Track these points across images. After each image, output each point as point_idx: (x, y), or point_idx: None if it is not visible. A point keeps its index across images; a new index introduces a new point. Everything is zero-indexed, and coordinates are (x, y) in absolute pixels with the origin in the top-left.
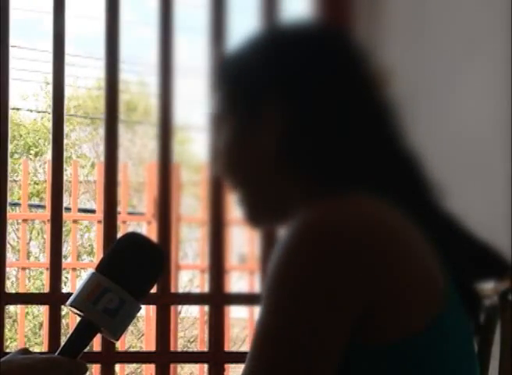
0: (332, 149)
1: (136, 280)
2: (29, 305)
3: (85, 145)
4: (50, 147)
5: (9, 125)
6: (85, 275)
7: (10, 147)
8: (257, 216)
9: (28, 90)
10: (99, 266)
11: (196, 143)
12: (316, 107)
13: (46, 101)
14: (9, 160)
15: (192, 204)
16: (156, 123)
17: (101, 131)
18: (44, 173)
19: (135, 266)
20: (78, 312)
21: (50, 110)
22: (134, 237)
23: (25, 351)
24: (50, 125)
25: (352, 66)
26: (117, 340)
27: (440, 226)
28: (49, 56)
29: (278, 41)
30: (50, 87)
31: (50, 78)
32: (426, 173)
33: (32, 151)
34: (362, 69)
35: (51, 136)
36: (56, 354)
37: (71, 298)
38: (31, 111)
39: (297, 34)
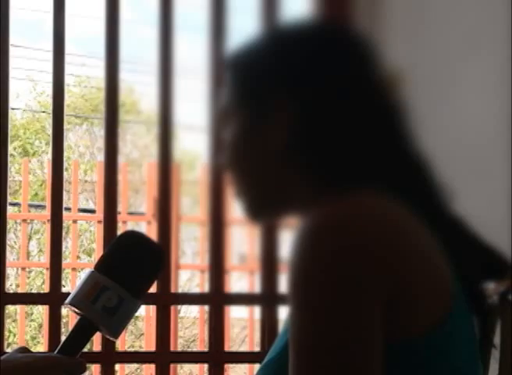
0: (342, 148)
1: (135, 278)
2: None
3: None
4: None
5: (9, 125)
6: (83, 274)
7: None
8: (257, 210)
9: (18, 89)
10: (97, 264)
11: (188, 140)
12: (325, 105)
13: (36, 100)
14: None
15: (188, 203)
16: (146, 120)
17: (95, 130)
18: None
19: (134, 264)
20: (77, 310)
21: (38, 109)
22: (133, 235)
23: (24, 349)
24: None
25: (361, 64)
26: (116, 338)
27: (447, 225)
28: (43, 55)
29: (287, 39)
30: (37, 86)
31: (36, 76)
32: (435, 173)
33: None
34: (371, 67)
35: (50, 136)
36: (55, 352)
37: (69, 297)
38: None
39: (306, 33)
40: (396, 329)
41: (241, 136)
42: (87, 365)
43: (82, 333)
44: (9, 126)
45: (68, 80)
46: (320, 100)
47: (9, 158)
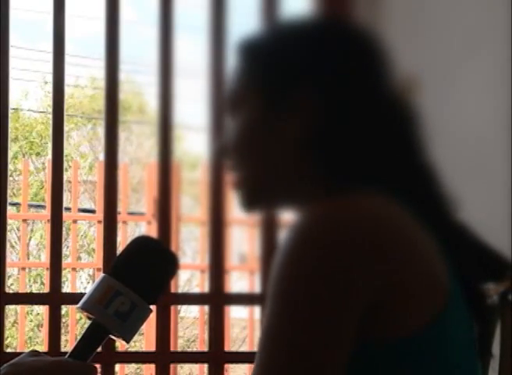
0: (351, 148)
1: (148, 284)
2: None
3: (83, 145)
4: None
5: (9, 125)
6: (97, 278)
7: None
8: (254, 199)
9: (28, 90)
10: (110, 269)
11: (190, 141)
12: (343, 105)
13: (46, 102)
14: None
15: (189, 203)
16: (152, 121)
17: (99, 131)
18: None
19: (147, 270)
20: (89, 315)
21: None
22: (146, 241)
23: (35, 353)
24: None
25: (379, 66)
26: (128, 343)
27: (447, 226)
28: (48, 56)
29: (316, 30)
30: (48, 87)
31: (48, 78)
32: (439, 175)
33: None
34: (387, 68)
35: (50, 136)
36: (66, 356)
37: (82, 301)
38: (33, 111)
39: (334, 26)
40: (387, 328)
41: (257, 121)
42: None
43: (94, 337)
44: (9, 125)
45: (72, 80)
46: (344, 98)
47: (13, 158)
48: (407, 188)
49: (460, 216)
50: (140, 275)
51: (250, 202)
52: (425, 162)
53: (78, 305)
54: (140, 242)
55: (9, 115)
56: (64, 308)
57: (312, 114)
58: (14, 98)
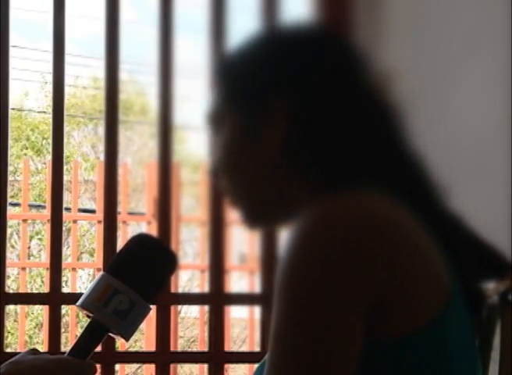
0: (337, 148)
1: (147, 282)
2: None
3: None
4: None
5: (9, 125)
6: (96, 277)
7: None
8: (255, 217)
9: (29, 90)
10: (109, 267)
11: (194, 142)
12: (319, 107)
13: (47, 102)
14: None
15: (191, 203)
16: (155, 122)
17: (100, 131)
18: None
19: (145, 268)
20: (88, 313)
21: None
22: (145, 239)
23: (34, 351)
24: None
25: (354, 65)
26: (127, 340)
27: (445, 224)
28: (49, 56)
29: (281, 41)
30: (49, 87)
31: (49, 78)
32: (430, 171)
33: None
34: (364, 69)
35: (51, 136)
36: (66, 355)
37: (81, 299)
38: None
39: (299, 35)
40: (388, 327)
41: (237, 137)
42: None
43: (93, 335)
44: (9, 125)
45: (73, 80)
46: (319, 100)
47: (14, 158)
48: (400, 185)
49: (459, 213)
50: (138, 273)
51: (251, 221)
52: (414, 159)
53: (77, 303)
54: (139, 240)
55: (9, 115)
56: (64, 308)
57: (293, 121)
58: (15, 98)
